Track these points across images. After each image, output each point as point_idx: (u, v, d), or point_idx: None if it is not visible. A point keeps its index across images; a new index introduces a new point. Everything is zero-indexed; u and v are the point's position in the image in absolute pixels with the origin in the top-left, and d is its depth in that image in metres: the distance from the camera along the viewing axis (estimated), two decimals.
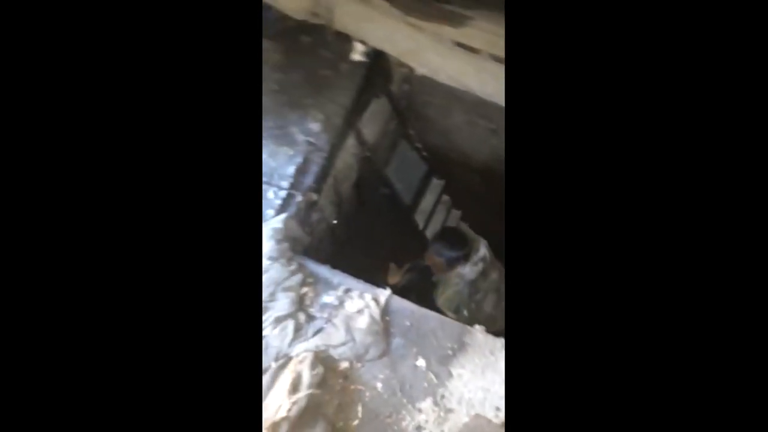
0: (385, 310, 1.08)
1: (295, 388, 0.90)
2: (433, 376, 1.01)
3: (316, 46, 1.29)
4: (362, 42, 1.28)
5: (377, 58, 1.32)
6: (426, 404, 0.97)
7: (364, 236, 1.78)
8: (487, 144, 2.13)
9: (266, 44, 1.31)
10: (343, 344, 1.01)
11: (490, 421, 0.95)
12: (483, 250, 1.32)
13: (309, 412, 0.90)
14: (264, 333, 1.01)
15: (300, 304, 1.06)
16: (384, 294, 1.10)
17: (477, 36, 1.20)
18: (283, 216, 1.14)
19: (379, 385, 0.99)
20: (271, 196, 1.17)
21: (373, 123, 1.58)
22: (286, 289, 1.05)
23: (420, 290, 1.42)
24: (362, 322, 1.03)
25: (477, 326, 1.09)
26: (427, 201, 2.47)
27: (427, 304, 1.16)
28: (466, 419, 0.95)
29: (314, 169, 1.22)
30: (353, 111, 1.33)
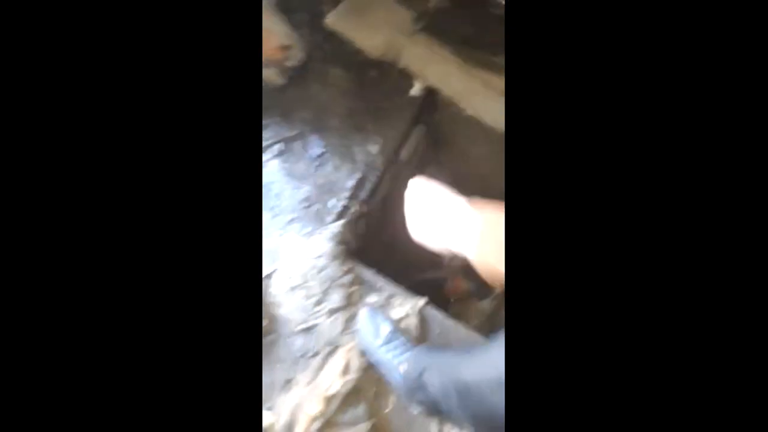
0: (421, 316, 1.25)
1: (345, 371, 1.07)
2: None
3: (381, 81, 1.48)
4: (420, 80, 1.48)
5: (430, 94, 1.52)
6: None
7: (383, 247, 1.93)
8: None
9: (339, 73, 1.50)
10: None
11: None
12: (498, 289, 1.45)
13: (354, 393, 1.06)
14: (318, 321, 1.18)
15: (349, 300, 1.23)
16: (420, 302, 1.26)
17: None
18: (341, 221, 1.32)
19: None
20: (332, 204, 1.35)
21: (409, 145, 1.76)
22: (339, 286, 1.22)
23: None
24: (403, 326, 1.19)
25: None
26: None
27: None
28: None
29: (368, 185, 1.40)
30: (402, 141, 1.52)
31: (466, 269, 1.50)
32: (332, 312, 1.19)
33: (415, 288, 1.34)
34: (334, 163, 1.40)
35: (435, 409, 0.93)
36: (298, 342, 1.15)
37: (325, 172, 1.40)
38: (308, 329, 1.16)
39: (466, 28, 1.46)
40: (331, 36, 1.52)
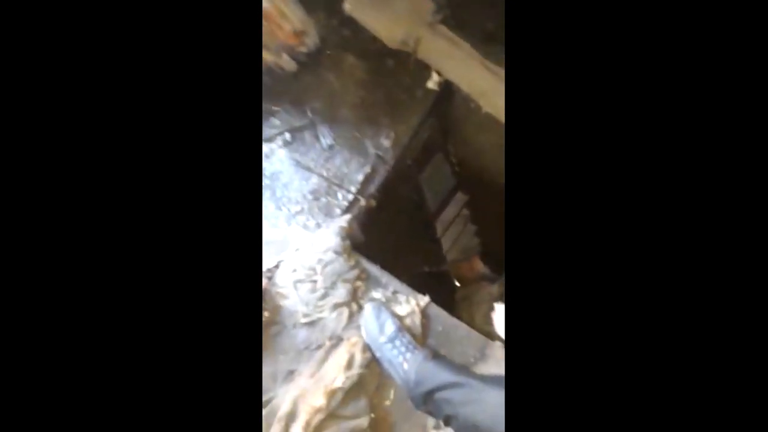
0: (424, 314, 1.26)
1: (349, 365, 1.08)
2: None
3: (398, 71, 1.44)
4: (438, 73, 1.44)
5: (448, 88, 1.48)
6: None
7: (389, 229, 1.93)
8: None
9: (353, 61, 1.46)
10: None
11: None
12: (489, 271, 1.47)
13: (356, 387, 1.09)
14: (323, 315, 1.19)
15: (353, 295, 1.23)
16: (424, 300, 1.27)
17: None
18: (348, 216, 1.31)
19: None
20: (341, 198, 1.34)
21: (420, 135, 1.74)
22: (345, 281, 1.23)
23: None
24: (405, 325, 1.21)
25: (498, 341, 1.27)
26: (449, 212, 2.63)
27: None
28: None
29: (378, 180, 1.39)
30: (414, 133, 1.49)
31: (484, 253, 1.50)
32: (337, 306, 1.20)
33: (418, 280, 1.35)
34: (343, 156, 1.38)
35: (445, 422, 0.97)
36: (302, 334, 1.17)
37: (334, 164, 1.38)
38: (313, 322, 1.17)
39: (488, 24, 1.41)
40: (348, 22, 1.47)
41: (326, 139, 1.41)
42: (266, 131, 1.39)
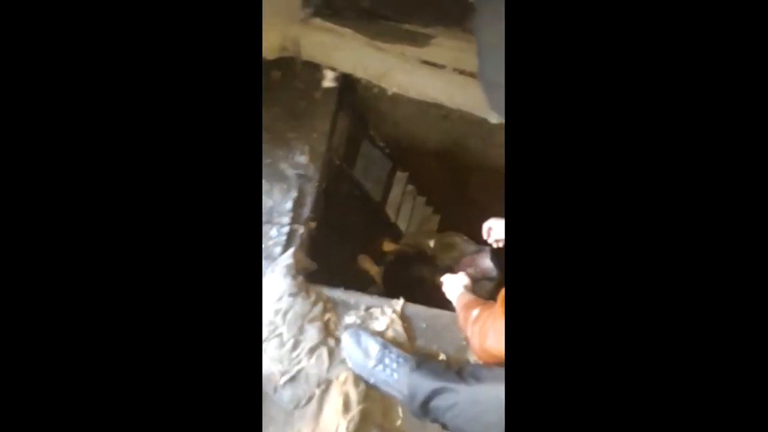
0: (403, 317, 1.19)
1: (346, 407, 1.00)
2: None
3: (289, 79, 1.32)
4: (332, 69, 1.33)
5: (347, 80, 1.38)
6: None
7: (341, 237, 1.85)
8: (438, 128, 2.24)
9: None
10: None
11: None
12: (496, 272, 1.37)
13: (363, 424, 1.01)
14: (302, 365, 1.09)
15: (326, 330, 1.14)
16: (399, 303, 1.21)
17: (441, 53, 1.30)
18: (290, 251, 1.20)
19: None
20: (275, 234, 1.22)
21: (339, 132, 1.64)
22: (312, 320, 1.13)
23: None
24: (389, 337, 1.14)
25: None
26: (395, 194, 2.58)
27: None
28: None
29: (309, 199, 1.28)
30: (331, 134, 1.39)
31: (495, 252, 1.40)
32: (313, 350, 1.10)
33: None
34: (263, 188, 1.24)
35: (443, 429, 0.97)
36: (287, 394, 1.06)
37: None
38: (293, 377, 1.07)
39: (362, 1, 1.31)
40: None
41: None
42: None
